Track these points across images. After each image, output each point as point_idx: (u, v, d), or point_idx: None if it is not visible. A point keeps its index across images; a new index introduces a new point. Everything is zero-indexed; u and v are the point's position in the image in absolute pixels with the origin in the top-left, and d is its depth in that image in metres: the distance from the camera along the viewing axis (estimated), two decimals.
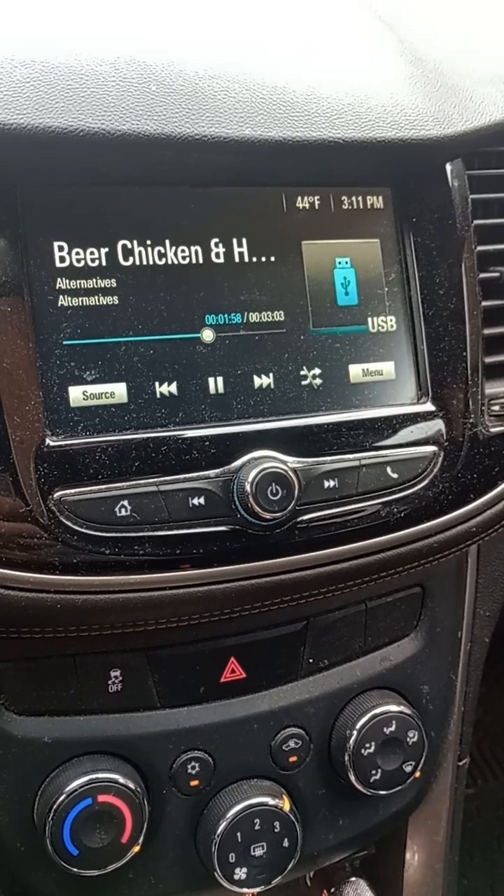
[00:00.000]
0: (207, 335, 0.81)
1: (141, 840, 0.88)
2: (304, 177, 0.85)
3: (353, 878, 1.10)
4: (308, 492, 0.80)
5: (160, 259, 0.80)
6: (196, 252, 0.81)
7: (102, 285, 0.78)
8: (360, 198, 0.88)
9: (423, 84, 0.89)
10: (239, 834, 0.91)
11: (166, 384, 0.80)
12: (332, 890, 1.10)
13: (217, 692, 0.93)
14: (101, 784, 0.86)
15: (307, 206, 0.86)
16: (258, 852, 0.92)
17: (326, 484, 0.82)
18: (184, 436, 0.78)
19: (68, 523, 0.74)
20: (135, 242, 0.79)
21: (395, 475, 0.85)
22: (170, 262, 0.80)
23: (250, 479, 0.77)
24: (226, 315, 0.82)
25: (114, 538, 0.76)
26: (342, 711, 0.99)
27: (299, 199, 0.85)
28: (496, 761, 2.05)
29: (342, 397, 0.86)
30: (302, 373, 0.85)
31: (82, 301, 0.77)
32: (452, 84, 0.91)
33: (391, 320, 0.88)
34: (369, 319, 0.88)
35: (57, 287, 0.76)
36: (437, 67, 0.93)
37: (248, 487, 0.77)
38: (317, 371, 0.85)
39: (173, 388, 0.80)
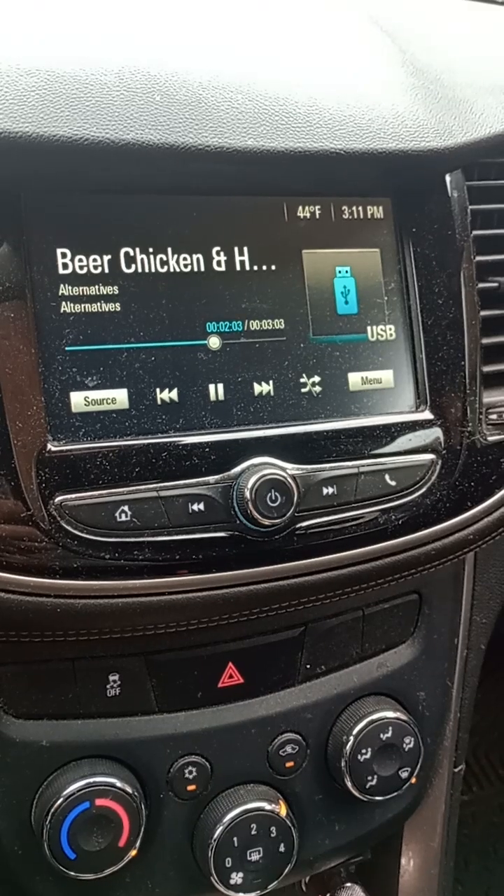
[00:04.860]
0: (214, 342, 0.82)
1: (138, 844, 0.88)
2: (305, 186, 0.86)
3: (349, 884, 1.10)
4: (307, 498, 0.81)
5: (162, 267, 0.80)
6: (198, 260, 0.82)
7: (105, 292, 0.78)
8: (360, 207, 0.88)
9: (424, 95, 0.90)
10: (235, 839, 0.92)
11: (167, 391, 0.80)
12: (328, 895, 1.10)
13: (215, 697, 0.93)
14: (98, 788, 0.86)
15: (308, 215, 0.86)
16: (254, 857, 0.93)
17: (325, 491, 0.82)
18: (184, 442, 0.79)
19: (69, 528, 0.75)
20: (137, 250, 0.80)
21: (393, 483, 0.85)
22: (172, 269, 0.81)
23: (250, 485, 0.77)
24: (227, 323, 0.82)
25: (114, 543, 0.76)
26: (339, 717, 0.99)
27: (300, 208, 0.86)
28: (492, 768, 2.05)
29: (341, 405, 0.86)
30: (301, 380, 0.85)
31: (84, 308, 0.78)
32: (453, 95, 0.91)
33: (390, 329, 0.89)
34: (369, 328, 0.88)
35: (60, 293, 0.77)
36: (438, 78, 0.93)
37: (247, 494, 0.77)
38: (316, 379, 0.86)
39: (174, 394, 0.80)
